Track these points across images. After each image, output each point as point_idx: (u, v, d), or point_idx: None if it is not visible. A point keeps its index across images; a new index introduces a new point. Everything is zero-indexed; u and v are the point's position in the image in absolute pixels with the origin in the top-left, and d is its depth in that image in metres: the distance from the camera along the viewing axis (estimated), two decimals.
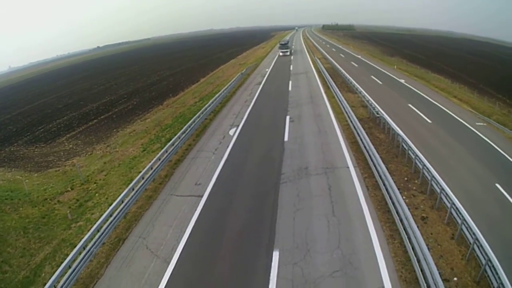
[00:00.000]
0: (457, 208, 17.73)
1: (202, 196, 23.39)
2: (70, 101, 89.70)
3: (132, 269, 17.68)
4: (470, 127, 34.97)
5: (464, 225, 16.69)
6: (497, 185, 22.92)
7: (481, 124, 36.45)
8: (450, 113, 40.01)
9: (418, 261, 14.67)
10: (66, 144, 51.24)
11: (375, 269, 15.48)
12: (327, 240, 17.58)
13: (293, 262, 16.42)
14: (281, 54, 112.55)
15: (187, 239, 19.28)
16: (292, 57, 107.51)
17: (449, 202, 18.58)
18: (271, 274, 15.82)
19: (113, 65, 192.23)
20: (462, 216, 16.84)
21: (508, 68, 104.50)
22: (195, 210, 21.87)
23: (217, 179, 25.72)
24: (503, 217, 19.49)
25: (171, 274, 16.76)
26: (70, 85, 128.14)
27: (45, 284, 15.53)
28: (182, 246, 18.71)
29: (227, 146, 31.99)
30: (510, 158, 27.43)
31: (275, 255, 16.99)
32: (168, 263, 17.50)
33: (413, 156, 24.89)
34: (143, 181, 24.53)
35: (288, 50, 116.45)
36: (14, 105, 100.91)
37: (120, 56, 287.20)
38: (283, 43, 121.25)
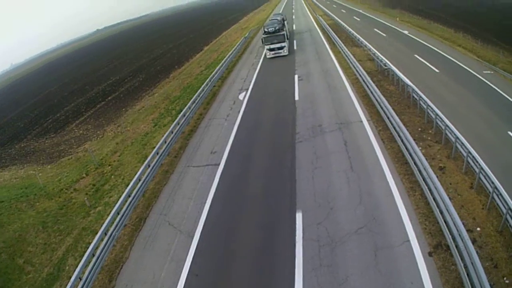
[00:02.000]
0: (473, 157, 17.07)
1: (219, 164, 23.03)
2: (75, 87, 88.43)
3: (156, 247, 17.48)
4: (477, 75, 33.89)
5: (482, 174, 16.11)
6: (510, 133, 22.26)
7: (488, 72, 35.31)
8: (456, 62, 38.94)
9: (441, 212, 14.25)
10: (76, 130, 50.60)
11: (399, 223, 15.14)
12: (348, 197, 17.28)
13: (317, 222, 16.14)
14: (269, 55, 51.01)
15: (209, 209, 19.02)
16: (293, 17, 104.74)
17: (465, 151, 17.95)
18: (297, 236, 15.57)
19: (114, 46, 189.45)
20: (480, 165, 16.23)
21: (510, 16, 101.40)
22: (214, 179, 21.53)
23: (232, 145, 25.34)
24: None
25: (196, 248, 16.53)
26: (73, 72, 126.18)
27: (70, 277, 15.12)
28: (205, 218, 18.44)
29: (239, 111, 31.50)
30: None
31: (298, 217, 16.71)
32: (192, 237, 17.25)
33: (425, 106, 24.11)
34: (158, 156, 24.08)
35: (282, 43, 50.19)
36: (19, 101, 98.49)
37: (121, 35, 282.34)
38: (269, 29, 49.69)
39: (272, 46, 49.13)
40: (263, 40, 48.96)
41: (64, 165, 35.54)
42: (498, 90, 29.44)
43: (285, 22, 60.08)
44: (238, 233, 16.98)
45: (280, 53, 49.48)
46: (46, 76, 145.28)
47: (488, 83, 31.34)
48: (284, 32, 49.83)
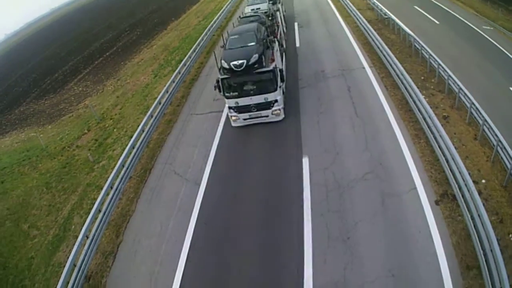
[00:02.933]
0: (477, 108, 16.94)
1: (222, 111, 22.62)
2: (72, 47, 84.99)
3: (163, 197, 17.38)
4: (477, 30, 33.47)
5: (486, 126, 16.04)
6: (511, 88, 22.24)
7: (488, 28, 34.87)
8: (456, 15, 38.27)
9: (447, 161, 14.21)
10: (75, 88, 49.28)
11: (405, 169, 15.10)
12: (354, 142, 17.22)
13: (323, 167, 16.10)
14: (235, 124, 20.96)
15: (214, 156, 18.89)
16: None
17: (468, 102, 17.81)
18: (304, 182, 15.54)
19: (110, 4, 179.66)
20: (483, 117, 16.12)
21: None
22: (218, 126, 21.31)
23: None
24: None
25: (203, 196, 16.43)
26: (69, 33, 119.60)
27: (76, 236, 14.94)
28: (211, 165, 18.33)
29: None
30: None
31: (305, 162, 16.64)
32: (199, 185, 17.15)
33: (427, 56, 23.85)
34: (160, 106, 23.79)
35: (269, 97, 19.25)
36: (15, 68, 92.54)
37: None
38: (233, 58, 18.75)
39: (243, 103, 19.51)
40: (220, 86, 19.39)
41: (65, 123, 34.90)
42: (499, 46, 29.17)
43: (279, 18, 30.25)
44: (245, 179, 16.88)
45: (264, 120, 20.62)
46: (42, 40, 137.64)
47: (489, 38, 30.98)
48: (274, 67, 19.18)
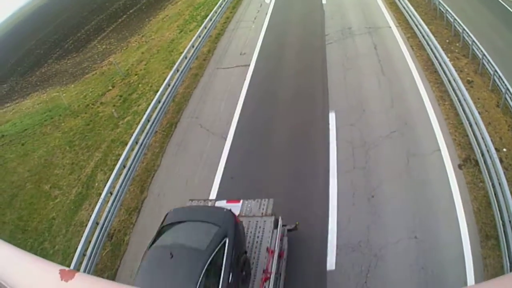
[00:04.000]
0: (500, 76, 16.67)
1: (249, 65, 22.61)
2: (94, 6, 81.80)
3: (189, 152, 17.45)
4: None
5: (508, 94, 15.87)
6: None
7: None
8: None
9: (470, 125, 14.26)
10: (99, 46, 48.26)
11: (430, 131, 15.15)
12: (380, 100, 17.25)
13: (349, 123, 16.19)
14: None
15: (241, 110, 18.88)
16: None
17: (491, 69, 17.55)
18: (330, 137, 15.63)
19: None
20: (506, 85, 15.96)
21: None
22: (244, 79, 21.24)
23: (261, 46, 24.79)
24: None
25: (229, 150, 16.51)
26: None
27: (100, 194, 14.93)
28: (237, 119, 18.35)
29: (266, 13, 30.36)
30: None
31: (332, 117, 16.68)
32: (225, 139, 17.21)
33: (451, 20, 23.31)
34: (186, 60, 23.57)
35: None
36: (35, 32, 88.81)
37: None
38: None
39: None
40: None
41: (88, 81, 34.33)
42: None
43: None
44: (271, 134, 17.02)
45: None
46: (59, 3, 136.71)
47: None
48: None
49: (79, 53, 49.43)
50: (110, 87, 28.64)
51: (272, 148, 16.07)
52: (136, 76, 28.43)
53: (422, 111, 16.16)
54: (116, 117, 23.04)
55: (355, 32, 24.14)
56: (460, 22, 21.94)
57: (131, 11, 60.96)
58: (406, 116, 15.91)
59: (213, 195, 14.39)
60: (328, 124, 16.27)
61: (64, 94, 31.93)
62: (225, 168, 15.57)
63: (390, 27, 24.36)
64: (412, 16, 23.54)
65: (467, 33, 20.79)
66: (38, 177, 20.45)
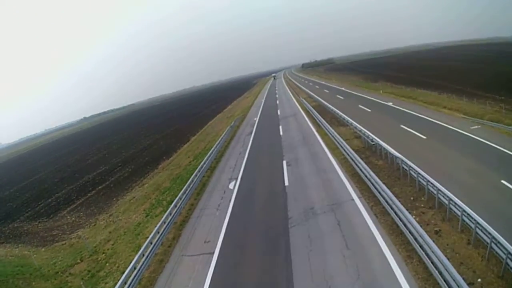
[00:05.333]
0: (468, 214, 18.08)
1: (213, 253, 23.50)
2: (65, 175, 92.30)
3: None
4: (465, 133, 36.14)
5: (478, 228, 17.09)
6: (503, 181, 23.73)
7: (476, 127, 37.79)
8: (443, 124, 41.16)
9: (440, 273, 14.94)
10: (68, 217, 52.63)
11: None
12: (346, 274, 17.70)
13: None
14: None
15: None
16: (277, 102, 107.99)
17: (459, 211, 18.98)
18: None
19: (102, 135, 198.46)
20: (475, 220, 17.24)
21: (489, 66, 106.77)
22: (209, 268, 21.94)
23: (225, 233, 25.89)
24: None
25: None
26: (63, 158, 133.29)
27: None
28: None
29: (230, 200, 32.17)
30: (508, 152, 28.73)
31: None
32: None
33: (415, 175, 25.33)
34: (151, 246, 24.71)
35: None
36: (10, 181, 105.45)
37: (108, 124, 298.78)
38: None
39: None
40: None
41: (58, 249, 37.44)
42: (487, 142, 31.88)
43: None
44: None
45: None
46: (37, 161, 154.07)
47: (477, 137, 33.68)
48: None
49: (50, 219, 54.87)
50: (79, 261, 31.55)
51: None
52: (103, 255, 30.97)
53: (390, 275, 16.69)
54: None
55: (318, 211, 25.41)
56: (425, 175, 23.86)
57: (100, 187, 66.54)
58: (373, 284, 16.43)
59: None
60: None
61: (35, 255, 35.79)
62: None
63: (353, 199, 25.84)
64: (375, 183, 25.12)
65: (432, 184, 22.46)
66: None
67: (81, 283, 25.28)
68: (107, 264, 28.25)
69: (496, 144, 30.87)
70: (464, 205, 18.78)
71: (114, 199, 54.52)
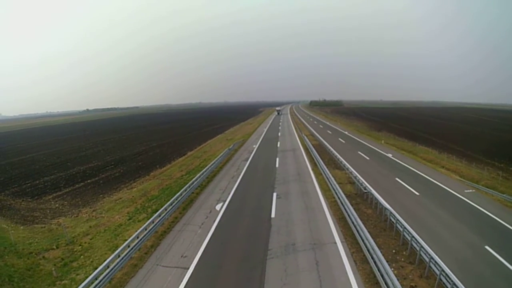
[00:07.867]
0: (446, 274, 18.39)
1: (188, 268, 23.57)
2: (58, 161, 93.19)
3: None
4: (458, 195, 36.42)
5: None
6: (487, 247, 24.16)
7: (470, 191, 38.04)
8: (438, 183, 41.38)
9: None
10: (53, 202, 52.83)
11: None
12: None
13: None
14: None
15: None
16: (279, 133, 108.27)
17: (438, 270, 19.29)
18: None
19: (101, 130, 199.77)
20: (452, 281, 17.57)
21: (497, 132, 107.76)
22: (181, 282, 22.00)
23: (203, 252, 25.97)
24: (493, 277, 20.54)
25: None
26: (59, 144, 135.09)
27: None
28: None
29: (214, 221, 32.30)
30: (497, 219, 29.03)
31: None
32: None
33: (401, 229, 25.59)
34: (129, 249, 25.05)
35: None
36: (3, 154, 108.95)
37: (109, 121, 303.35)
38: None
39: None
40: None
41: (36, 231, 37.83)
42: (478, 207, 32.15)
43: None
44: None
45: None
46: (33, 140, 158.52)
47: (469, 201, 33.91)
48: None
49: (34, 200, 55.73)
50: (54, 247, 31.89)
51: None
52: (80, 247, 31.35)
53: None
54: (54, 276, 25.30)
55: (299, 248, 25.51)
56: (410, 230, 24.27)
57: (89, 181, 66.82)
58: None
59: None
60: None
61: (12, 231, 36.59)
62: None
63: (335, 242, 25.99)
64: (360, 231, 25.38)
65: (416, 240, 22.83)
66: None
67: (53, 269, 25.85)
68: (81, 257, 28.61)
69: (486, 210, 31.38)
70: (444, 265, 19.10)
71: (101, 195, 54.71)
